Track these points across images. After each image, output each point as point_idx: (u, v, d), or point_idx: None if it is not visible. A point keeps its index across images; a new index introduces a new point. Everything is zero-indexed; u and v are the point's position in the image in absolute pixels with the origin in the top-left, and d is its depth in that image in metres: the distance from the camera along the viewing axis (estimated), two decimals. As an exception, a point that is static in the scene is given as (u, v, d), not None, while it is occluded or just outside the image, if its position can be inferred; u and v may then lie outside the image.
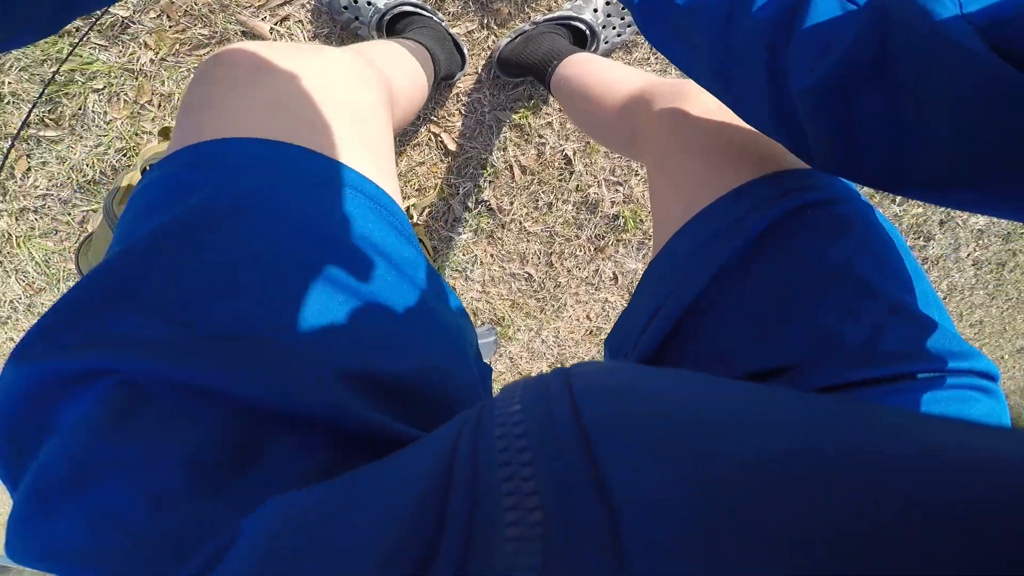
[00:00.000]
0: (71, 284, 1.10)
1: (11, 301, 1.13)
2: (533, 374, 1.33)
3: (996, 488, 0.10)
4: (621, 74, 0.66)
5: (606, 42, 0.90)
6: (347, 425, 0.25)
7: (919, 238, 1.18)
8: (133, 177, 0.69)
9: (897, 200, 1.12)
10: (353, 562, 0.14)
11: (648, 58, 0.96)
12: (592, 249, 1.14)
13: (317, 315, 0.28)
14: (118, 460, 0.23)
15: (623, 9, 0.88)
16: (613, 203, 1.08)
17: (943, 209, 1.14)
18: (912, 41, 0.26)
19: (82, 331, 0.26)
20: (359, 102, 0.40)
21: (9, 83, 0.87)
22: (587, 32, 0.87)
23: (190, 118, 0.36)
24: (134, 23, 0.86)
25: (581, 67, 0.74)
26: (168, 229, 0.28)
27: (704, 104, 0.46)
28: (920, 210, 1.14)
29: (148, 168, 0.70)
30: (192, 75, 0.38)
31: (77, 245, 0.69)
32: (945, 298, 1.28)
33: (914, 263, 0.36)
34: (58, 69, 0.84)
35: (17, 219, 1.01)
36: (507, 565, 0.13)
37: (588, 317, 1.23)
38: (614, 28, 0.89)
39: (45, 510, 0.23)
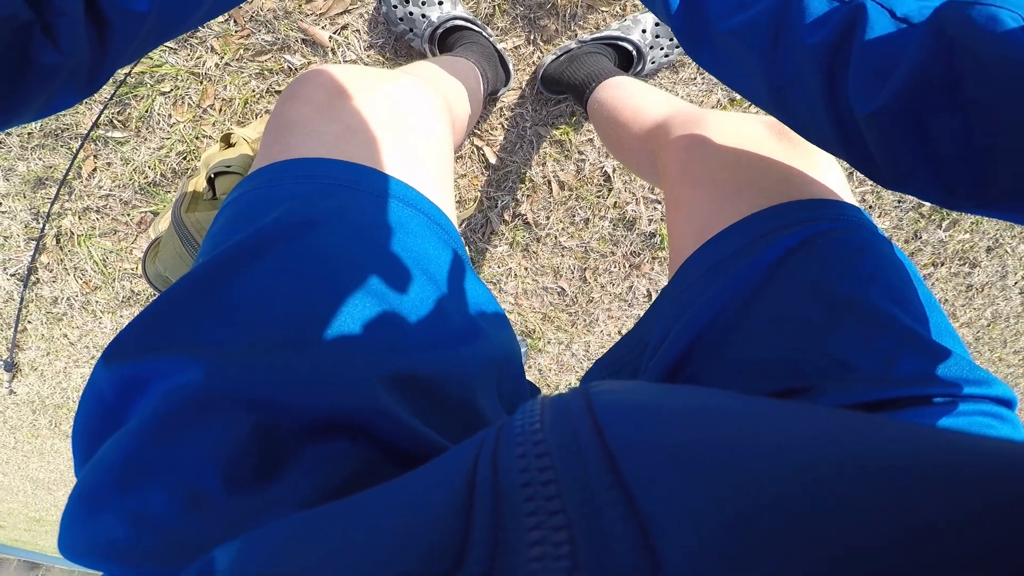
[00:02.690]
0: (126, 283, 1.15)
1: (68, 298, 1.18)
2: (562, 386, 1.33)
3: None
4: (650, 102, 0.66)
5: (652, 62, 0.91)
6: (383, 427, 0.26)
7: (964, 264, 1.15)
8: (198, 183, 0.72)
9: (943, 226, 1.10)
10: None
11: (695, 78, 0.97)
12: (627, 266, 1.14)
13: (367, 324, 0.30)
14: (161, 464, 0.24)
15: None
16: (651, 221, 1.09)
17: (991, 235, 1.12)
18: (978, 62, 0.26)
19: (163, 336, 0.27)
20: (427, 129, 0.43)
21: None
22: (634, 53, 0.88)
23: (277, 136, 0.39)
24: (203, 26, 0.90)
25: (615, 91, 0.74)
26: (248, 242, 0.31)
27: (717, 134, 0.46)
28: (967, 236, 1.11)
29: (214, 176, 0.73)
30: (281, 94, 0.42)
31: (144, 251, 0.72)
32: (989, 326, 1.24)
33: (927, 293, 0.36)
34: (130, 71, 0.89)
35: (80, 218, 1.05)
36: None
37: (619, 332, 1.23)
38: (662, 49, 0.90)
39: (91, 509, 0.24)
